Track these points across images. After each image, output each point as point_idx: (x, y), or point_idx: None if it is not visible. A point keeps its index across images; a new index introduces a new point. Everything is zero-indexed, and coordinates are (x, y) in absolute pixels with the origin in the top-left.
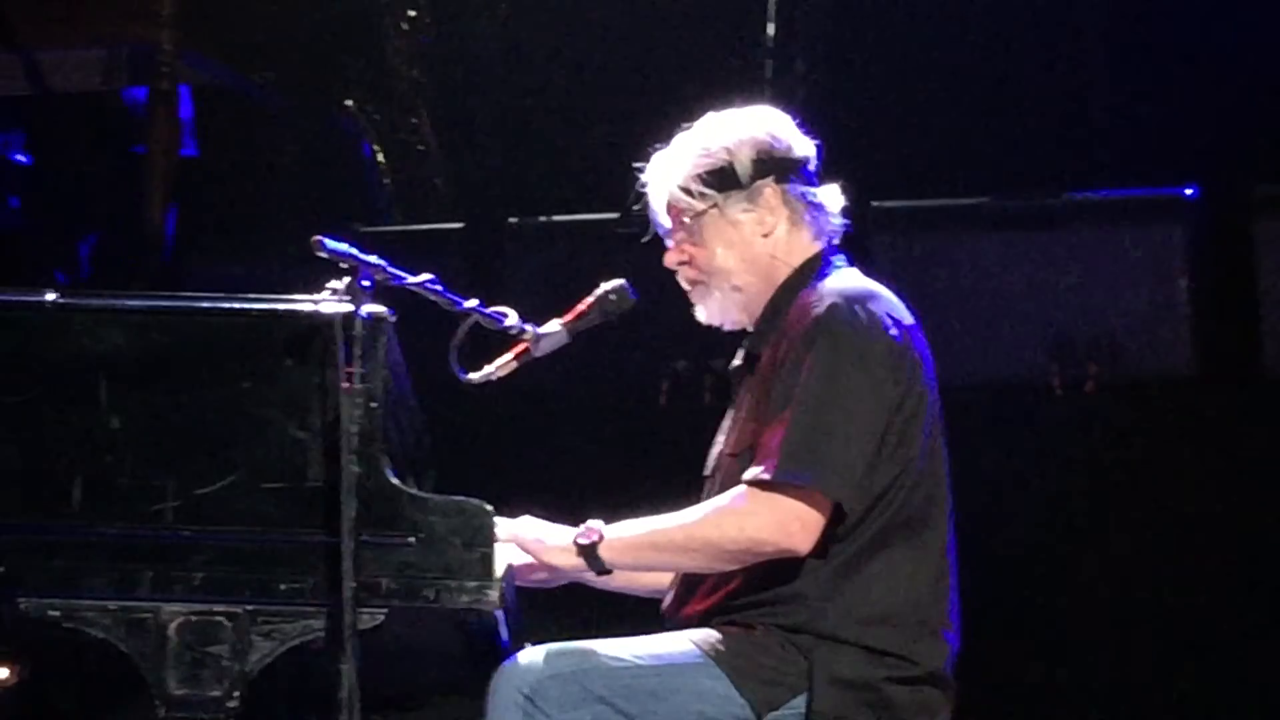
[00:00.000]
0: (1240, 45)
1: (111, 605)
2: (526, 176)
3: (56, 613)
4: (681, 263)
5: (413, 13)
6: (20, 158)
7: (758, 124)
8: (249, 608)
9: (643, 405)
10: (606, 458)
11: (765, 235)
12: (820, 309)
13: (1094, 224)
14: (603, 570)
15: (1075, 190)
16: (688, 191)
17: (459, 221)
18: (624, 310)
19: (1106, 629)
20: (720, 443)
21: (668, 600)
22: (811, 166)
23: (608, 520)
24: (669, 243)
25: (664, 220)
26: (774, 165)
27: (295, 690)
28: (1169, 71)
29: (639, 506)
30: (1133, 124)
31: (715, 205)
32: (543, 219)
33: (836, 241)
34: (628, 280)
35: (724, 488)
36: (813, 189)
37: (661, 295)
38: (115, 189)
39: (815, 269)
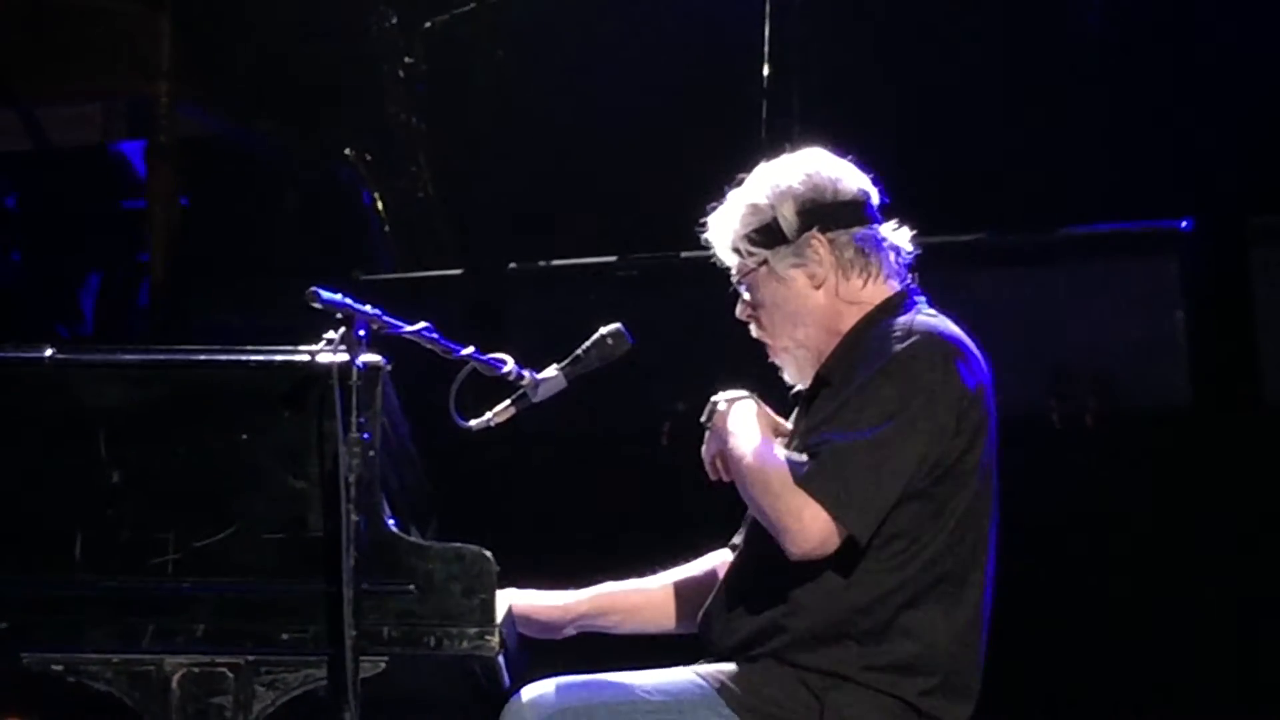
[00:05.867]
0: (1233, 77)
1: (114, 658)
2: (525, 222)
3: (59, 667)
4: (749, 318)
5: (409, 60)
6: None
7: (799, 172)
8: (251, 658)
9: (644, 447)
10: (608, 500)
11: (818, 287)
12: (904, 343)
13: (1089, 258)
14: (705, 425)
15: (1070, 224)
16: (739, 251)
17: (459, 268)
18: (622, 354)
19: (1105, 662)
20: None
21: (701, 620)
22: (868, 203)
23: (611, 567)
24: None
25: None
26: (819, 214)
27: None
28: (1162, 104)
29: (640, 548)
30: (1126, 157)
31: (765, 263)
32: (542, 264)
33: (911, 278)
34: (625, 324)
35: None
36: (867, 228)
37: (659, 338)
38: (114, 242)
39: (897, 307)
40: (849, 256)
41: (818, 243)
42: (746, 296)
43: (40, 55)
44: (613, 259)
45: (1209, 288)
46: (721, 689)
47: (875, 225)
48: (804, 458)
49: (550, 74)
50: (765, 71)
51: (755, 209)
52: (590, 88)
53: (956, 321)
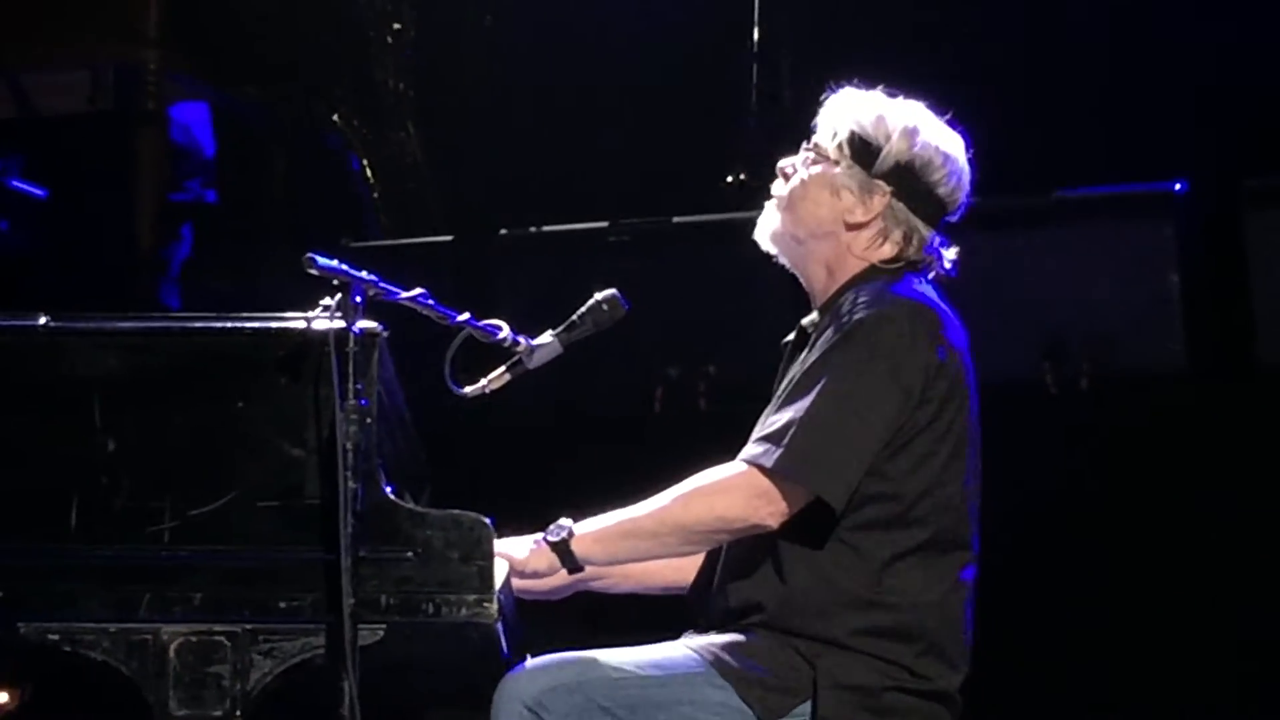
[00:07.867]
0: (1227, 39)
1: (111, 627)
2: (516, 187)
3: (56, 636)
4: (786, 175)
5: (398, 25)
6: (21, 185)
7: (932, 140)
8: (248, 627)
9: (637, 412)
10: (602, 466)
11: (850, 225)
12: (871, 309)
13: (1084, 221)
14: (576, 567)
15: (1064, 188)
16: (833, 134)
17: (449, 234)
18: (616, 319)
19: (1106, 628)
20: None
21: (690, 590)
22: (945, 210)
23: None
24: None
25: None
26: (906, 185)
27: (298, 707)
28: (1156, 66)
29: None
30: (1120, 120)
31: (838, 164)
32: (533, 230)
33: (930, 275)
34: (619, 289)
35: None
36: (929, 230)
37: (653, 303)
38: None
39: (892, 275)
40: (895, 234)
41: (883, 198)
42: (801, 159)
43: (25, 21)
44: (604, 224)
45: (1204, 250)
46: (715, 661)
47: (935, 234)
48: (760, 448)
49: (539, 38)
50: (755, 35)
51: (879, 124)
52: (580, 52)
53: (942, 297)
